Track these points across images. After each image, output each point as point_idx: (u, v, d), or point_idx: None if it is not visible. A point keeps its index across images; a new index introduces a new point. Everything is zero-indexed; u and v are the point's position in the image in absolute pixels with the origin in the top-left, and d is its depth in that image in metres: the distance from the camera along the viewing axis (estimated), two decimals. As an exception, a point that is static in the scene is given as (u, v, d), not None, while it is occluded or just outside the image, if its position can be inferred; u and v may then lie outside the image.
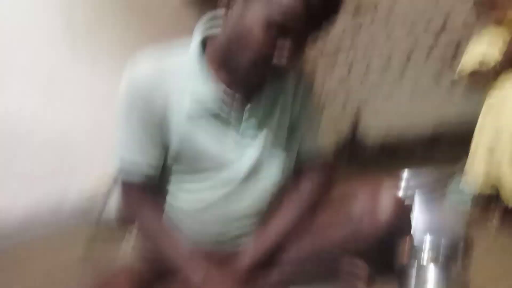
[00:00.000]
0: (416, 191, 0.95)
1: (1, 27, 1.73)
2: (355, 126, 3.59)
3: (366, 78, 3.60)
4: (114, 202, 1.54)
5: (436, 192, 0.98)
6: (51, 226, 1.76)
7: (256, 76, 0.82)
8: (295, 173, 0.98)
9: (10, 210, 1.65)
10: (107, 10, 2.21)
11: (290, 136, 0.96)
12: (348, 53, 3.62)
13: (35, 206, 1.74)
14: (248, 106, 0.89)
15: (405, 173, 1.13)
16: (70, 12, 2.01)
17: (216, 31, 0.89)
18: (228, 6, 0.83)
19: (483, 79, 1.41)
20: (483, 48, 1.46)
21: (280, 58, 0.78)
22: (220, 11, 0.90)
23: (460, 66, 1.50)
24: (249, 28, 0.77)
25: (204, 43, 0.90)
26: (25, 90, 1.79)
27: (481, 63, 1.42)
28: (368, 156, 3.36)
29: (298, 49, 0.82)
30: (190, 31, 2.85)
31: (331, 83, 3.72)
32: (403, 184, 0.86)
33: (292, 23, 0.74)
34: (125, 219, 0.95)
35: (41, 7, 1.91)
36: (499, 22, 1.39)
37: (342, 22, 3.60)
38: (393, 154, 3.32)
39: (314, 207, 0.94)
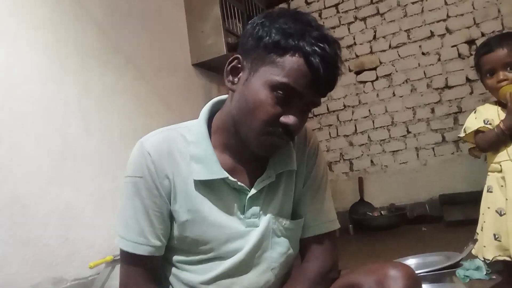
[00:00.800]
0: (424, 274, 0.92)
1: (16, 101, 1.79)
2: (360, 193, 3.58)
3: (371, 137, 3.64)
4: (117, 276, 1.53)
5: (444, 275, 0.95)
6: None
7: (266, 139, 0.83)
8: (304, 243, 0.96)
9: (15, 283, 1.63)
10: (120, 79, 2.32)
11: (297, 206, 0.96)
12: (353, 110, 3.70)
13: (38, 278, 1.72)
14: (250, 195, 0.90)
15: (410, 259, 1.10)
16: (84, 83, 2.09)
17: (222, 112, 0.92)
18: (234, 74, 0.86)
19: (487, 140, 1.42)
20: (487, 111, 1.49)
21: (287, 117, 0.80)
22: (224, 96, 0.95)
23: (465, 125, 1.52)
24: (256, 91, 0.79)
25: (209, 125, 0.94)
26: (35, 164, 1.77)
27: (486, 121, 1.44)
28: (376, 222, 3.30)
29: (303, 111, 0.84)
30: (199, 93, 2.97)
31: (336, 143, 3.77)
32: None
33: (296, 84, 0.77)
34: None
35: (56, 79, 1.97)
36: (495, 91, 1.42)
37: (347, 80, 3.72)
38: (401, 219, 3.28)
39: None
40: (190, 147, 0.89)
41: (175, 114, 2.64)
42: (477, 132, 1.46)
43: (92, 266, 1.75)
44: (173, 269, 0.92)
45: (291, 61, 0.77)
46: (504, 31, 3.03)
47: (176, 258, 0.91)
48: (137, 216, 0.87)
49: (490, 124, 1.43)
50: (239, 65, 0.85)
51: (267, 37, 0.79)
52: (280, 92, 0.78)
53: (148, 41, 2.59)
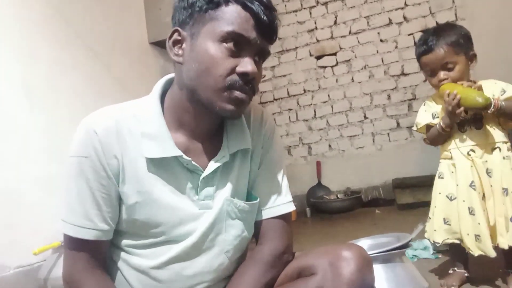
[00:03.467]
0: (375, 255, 0.94)
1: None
2: (318, 176, 3.65)
3: (330, 122, 3.70)
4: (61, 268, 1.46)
5: (395, 255, 0.98)
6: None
7: (228, 94, 0.79)
8: (258, 225, 0.95)
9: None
10: (68, 55, 2.17)
11: (252, 188, 0.95)
12: (313, 95, 3.73)
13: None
14: (203, 176, 0.88)
15: (362, 240, 1.13)
16: (28, 57, 1.95)
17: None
18: (177, 47, 0.83)
19: (433, 137, 1.46)
20: (434, 103, 1.52)
21: (243, 65, 0.78)
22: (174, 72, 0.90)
23: (416, 120, 1.56)
24: (205, 50, 0.78)
25: (162, 102, 0.90)
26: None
27: (434, 115, 1.47)
28: (332, 206, 3.37)
29: (257, 60, 0.82)
30: (156, 74, 2.87)
31: (295, 128, 3.81)
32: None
33: (241, 29, 0.77)
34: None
35: None
36: (438, 88, 1.46)
37: (307, 65, 3.74)
38: (356, 202, 3.38)
39: (274, 280, 0.91)
40: (141, 125, 0.85)
41: (130, 94, 2.50)
42: (428, 126, 1.50)
43: (37, 252, 1.66)
44: (122, 254, 0.88)
45: (230, 10, 0.78)
46: (455, 22, 3.14)
47: (125, 242, 0.87)
48: (82, 199, 0.82)
49: (438, 117, 1.47)
50: (180, 37, 0.83)
51: (199, 0, 0.79)
52: (229, 43, 0.77)
53: (101, 15, 2.45)
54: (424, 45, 1.44)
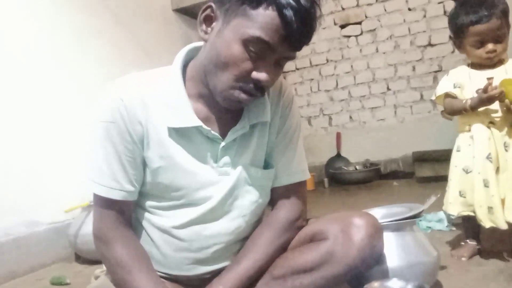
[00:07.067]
0: (386, 223, 0.97)
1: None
2: (338, 147, 3.64)
3: (352, 93, 3.65)
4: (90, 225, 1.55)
5: (405, 224, 1.00)
6: (25, 246, 1.77)
7: (234, 93, 0.81)
8: (274, 192, 0.99)
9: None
10: (92, 21, 2.21)
11: (269, 156, 0.98)
12: (335, 65, 3.67)
13: (12, 222, 1.73)
14: (223, 144, 0.91)
15: (375, 210, 1.16)
16: (55, 23, 2.00)
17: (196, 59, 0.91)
18: (207, 23, 0.83)
19: (453, 108, 1.43)
20: (459, 73, 1.48)
21: (259, 73, 0.79)
22: (200, 43, 0.92)
23: (436, 88, 1.53)
24: (228, 44, 0.78)
25: (185, 72, 0.92)
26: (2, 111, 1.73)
27: (455, 85, 1.44)
28: (350, 177, 3.39)
29: (277, 65, 0.82)
30: (179, 41, 2.87)
31: (316, 98, 3.78)
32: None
33: (269, 37, 0.75)
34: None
35: (24, 18, 1.85)
36: (479, 59, 1.41)
37: (331, 34, 3.66)
38: (375, 174, 3.38)
39: (287, 243, 0.96)
40: (164, 94, 0.88)
41: (152, 60, 2.56)
42: (447, 95, 1.47)
43: (67, 210, 1.77)
44: (146, 214, 0.94)
45: (264, 14, 0.75)
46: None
47: (148, 203, 0.93)
48: (109, 161, 0.87)
49: (459, 87, 1.43)
50: (213, 14, 0.82)
51: None
52: (253, 47, 0.77)
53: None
54: (476, 14, 1.33)
